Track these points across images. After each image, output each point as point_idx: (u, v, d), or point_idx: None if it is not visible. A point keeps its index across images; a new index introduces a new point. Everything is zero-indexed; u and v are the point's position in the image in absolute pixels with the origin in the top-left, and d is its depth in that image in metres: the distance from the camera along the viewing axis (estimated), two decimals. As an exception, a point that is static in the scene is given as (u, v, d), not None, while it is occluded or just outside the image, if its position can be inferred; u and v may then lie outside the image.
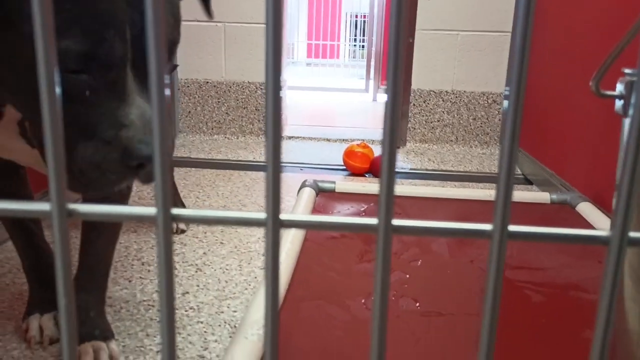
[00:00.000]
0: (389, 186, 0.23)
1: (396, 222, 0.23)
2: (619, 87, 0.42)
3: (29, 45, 0.51)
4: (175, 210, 0.24)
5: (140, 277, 1.06)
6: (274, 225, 0.24)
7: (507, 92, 0.22)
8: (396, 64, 0.21)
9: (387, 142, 0.22)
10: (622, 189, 0.23)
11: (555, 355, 0.80)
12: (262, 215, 0.24)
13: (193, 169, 1.92)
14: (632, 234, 0.22)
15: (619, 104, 0.42)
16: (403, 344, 0.82)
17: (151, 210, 0.24)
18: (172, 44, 0.61)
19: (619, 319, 0.32)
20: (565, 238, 0.23)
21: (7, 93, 0.56)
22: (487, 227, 0.23)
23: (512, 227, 0.23)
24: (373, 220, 0.24)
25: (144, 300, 0.97)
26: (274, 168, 0.24)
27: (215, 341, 0.85)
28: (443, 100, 2.26)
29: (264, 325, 0.25)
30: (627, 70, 0.42)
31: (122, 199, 0.84)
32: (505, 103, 0.22)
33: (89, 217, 0.24)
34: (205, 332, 0.88)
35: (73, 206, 0.24)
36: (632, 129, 0.21)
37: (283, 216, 0.24)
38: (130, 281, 1.05)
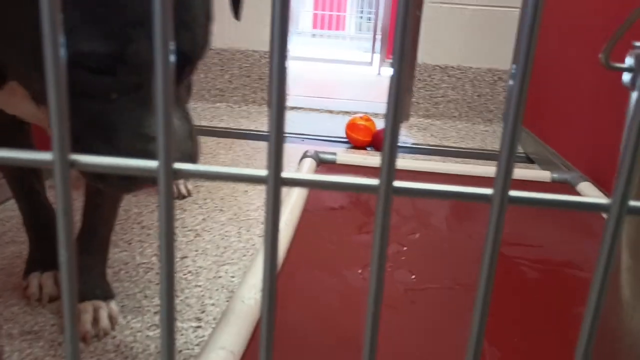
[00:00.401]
0: (391, 146, 0.23)
1: (397, 183, 0.23)
2: (628, 60, 0.41)
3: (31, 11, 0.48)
4: (177, 165, 0.24)
5: (140, 241, 1.07)
6: (275, 182, 0.24)
7: (514, 71, 0.22)
8: (403, 37, 0.21)
9: (392, 92, 0.22)
10: (624, 158, 0.23)
11: (547, 329, 0.82)
12: (263, 172, 0.24)
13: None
14: (632, 203, 0.22)
15: (627, 76, 0.42)
16: (398, 314, 0.83)
17: (153, 164, 0.24)
18: (202, 47, 0.56)
19: (613, 289, 0.33)
20: (565, 204, 0.23)
21: (9, 60, 0.54)
22: (487, 191, 0.23)
23: (513, 192, 0.23)
24: (374, 181, 0.24)
25: (143, 263, 0.98)
26: (277, 124, 0.24)
27: (213, 304, 0.87)
28: (448, 76, 2.24)
29: (262, 283, 0.25)
30: (637, 43, 0.41)
31: None
32: (511, 81, 0.22)
33: (90, 168, 0.24)
34: (202, 295, 0.89)
35: (75, 157, 0.24)
36: (639, 101, 0.21)
37: (284, 174, 0.24)
38: (129, 244, 1.05)
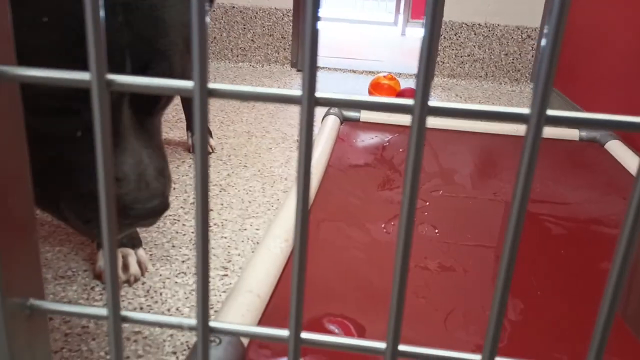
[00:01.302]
0: (428, 65, 0.23)
1: (433, 102, 0.23)
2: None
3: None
4: (212, 85, 0.24)
5: (166, 194, 1.09)
6: (309, 101, 0.24)
7: (546, 31, 0.21)
8: None
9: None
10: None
11: (571, 283, 0.82)
12: (297, 92, 0.24)
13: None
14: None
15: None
16: (421, 269, 0.84)
17: (188, 84, 0.24)
18: (179, 77, 0.52)
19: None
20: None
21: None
22: (525, 110, 0.23)
23: (551, 112, 0.23)
24: (409, 101, 0.24)
25: (170, 215, 1.00)
26: (311, 45, 0.23)
27: (238, 255, 0.88)
28: (475, 34, 2.19)
29: (295, 203, 0.25)
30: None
31: None
32: (544, 41, 0.21)
33: (127, 88, 0.25)
34: (228, 246, 0.91)
35: (112, 76, 0.24)
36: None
37: (318, 94, 0.24)
38: (156, 197, 1.07)
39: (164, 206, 0.50)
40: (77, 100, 0.45)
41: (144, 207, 0.47)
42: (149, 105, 0.51)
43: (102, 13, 0.23)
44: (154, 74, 0.48)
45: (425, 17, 0.21)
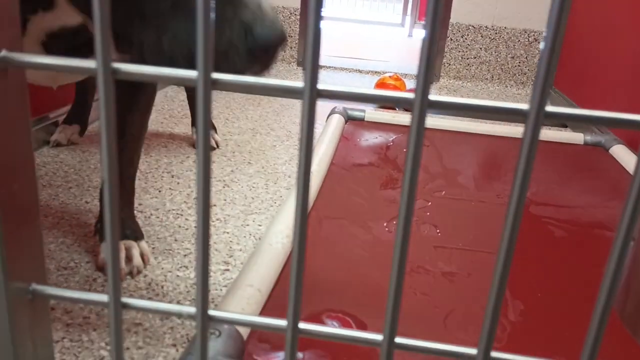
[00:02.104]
0: (428, 60, 0.23)
1: (433, 96, 0.23)
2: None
3: None
4: (216, 75, 0.25)
5: (170, 189, 1.09)
6: (311, 93, 0.24)
7: (546, 27, 0.21)
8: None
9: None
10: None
11: (571, 285, 0.82)
12: (299, 84, 0.24)
13: (223, 91, 1.92)
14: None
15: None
16: (422, 269, 0.84)
17: (192, 74, 0.25)
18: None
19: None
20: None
21: None
22: (524, 106, 0.23)
23: (550, 108, 0.23)
24: (410, 95, 0.24)
25: (173, 209, 1.00)
26: (314, 37, 0.24)
27: (240, 250, 0.89)
28: (482, 36, 2.19)
29: (295, 199, 0.26)
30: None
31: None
32: (544, 37, 0.21)
33: (132, 77, 0.25)
34: (230, 241, 0.91)
35: (117, 65, 0.25)
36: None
37: (321, 86, 0.24)
38: (160, 191, 1.08)
39: (285, 35, 0.51)
40: None
41: (273, 29, 0.48)
42: None
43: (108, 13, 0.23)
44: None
45: (427, 10, 0.22)
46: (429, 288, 0.78)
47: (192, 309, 0.29)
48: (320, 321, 0.65)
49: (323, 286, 0.73)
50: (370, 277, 0.78)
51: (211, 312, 0.29)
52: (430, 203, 1.06)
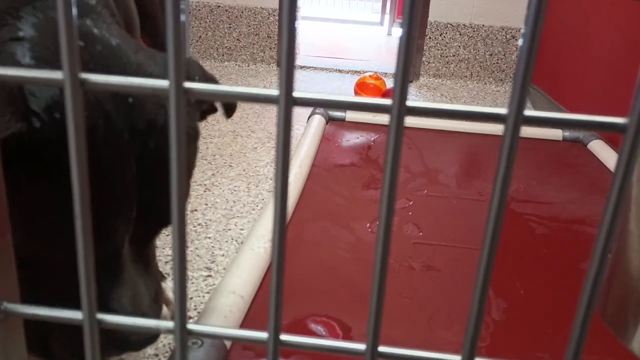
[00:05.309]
0: (405, 64, 0.22)
1: (411, 102, 0.23)
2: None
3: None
4: (188, 84, 0.24)
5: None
6: (287, 102, 0.24)
7: (524, 31, 0.21)
8: None
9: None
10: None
11: (554, 282, 0.82)
12: (274, 91, 0.24)
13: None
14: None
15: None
16: (406, 267, 0.84)
17: (164, 83, 0.24)
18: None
19: (623, 230, 0.33)
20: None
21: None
22: (502, 110, 0.23)
23: (528, 112, 0.23)
24: (387, 101, 0.23)
25: (154, 215, 0.99)
26: (288, 43, 0.23)
27: (222, 255, 0.88)
28: (460, 34, 2.20)
29: (274, 210, 0.25)
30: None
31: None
32: (521, 41, 0.21)
33: (100, 88, 0.24)
34: (212, 246, 0.90)
35: (86, 76, 0.24)
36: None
37: (296, 94, 0.24)
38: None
39: (157, 333, 0.49)
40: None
41: (139, 338, 0.47)
42: (149, 235, 0.49)
43: (74, 12, 0.23)
44: (162, 210, 0.47)
45: (402, 17, 0.21)
46: (412, 288, 0.78)
47: (170, 324, 0.28)
48: (304, 326, 0.64)
49: (306, 290, 0.73)
50: (354, 280, 0.78)
51: (190, 326, 0.28)
52: (412, 202, 1.06)
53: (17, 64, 0.43)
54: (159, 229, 0.50)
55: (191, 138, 0.51)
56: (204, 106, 0.56)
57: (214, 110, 0.59)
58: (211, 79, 0.55)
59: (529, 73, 0.23)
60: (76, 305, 0.28)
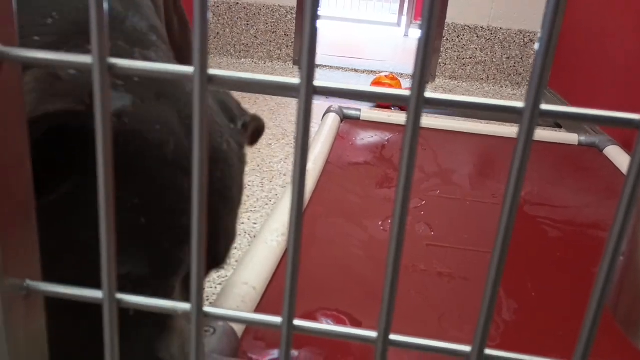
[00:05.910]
0: (424, 57, 0.23)
1: (428, 94, 0.24)
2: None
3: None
4: (212, 71, 0.25)
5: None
6: (308, 90, 0.24)
7: (542, 25, 0.21)
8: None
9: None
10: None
11: (565, 285, 0.82)
12: (295, 80, 0.24)
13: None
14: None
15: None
16: (417, 268, 0.84)
17: (189, 69, 0.25)
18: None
19: (634, 239, 0.33)
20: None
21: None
22: (518, 104, 0.23)
23: (544, 106, 0.23)
24: (406, 92, 0.24)
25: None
26: (310, 36, 0.24)
27: (235, 248, 0.89)
28: (477, 37, 2.19)
29: (290, 198, 0.26)
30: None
31: None
32: (539, 36, 0.21)
33: (127, 72, 0.25)
34: (225, 240, 0.91)
35: (114, 60, 0.25)
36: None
37: (317, 83, 0.24)
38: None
39: None
40: (135, 282, 0.41)
41: None
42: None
43: (105, 6, 0.23)
44: (219, 248, 0.46)
45: (423, 9, 0.22)
46: (424, 287, 0.78)
47: (187, 306, 0.29)
48: (315, 319, 0.65)
49: (318, 285, 0.73)
50: (365, 276, 0.79)
51: (206, 309, 0.28)
52: (424, 202, 1.06)
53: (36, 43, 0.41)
54: (212, 268, 0.48)
55: (243, 164, 0.50)
56: (249, 130, 0.53)
57: (259, 132, 0.59)
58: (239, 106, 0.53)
59: (547, 67, 0.23)
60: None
